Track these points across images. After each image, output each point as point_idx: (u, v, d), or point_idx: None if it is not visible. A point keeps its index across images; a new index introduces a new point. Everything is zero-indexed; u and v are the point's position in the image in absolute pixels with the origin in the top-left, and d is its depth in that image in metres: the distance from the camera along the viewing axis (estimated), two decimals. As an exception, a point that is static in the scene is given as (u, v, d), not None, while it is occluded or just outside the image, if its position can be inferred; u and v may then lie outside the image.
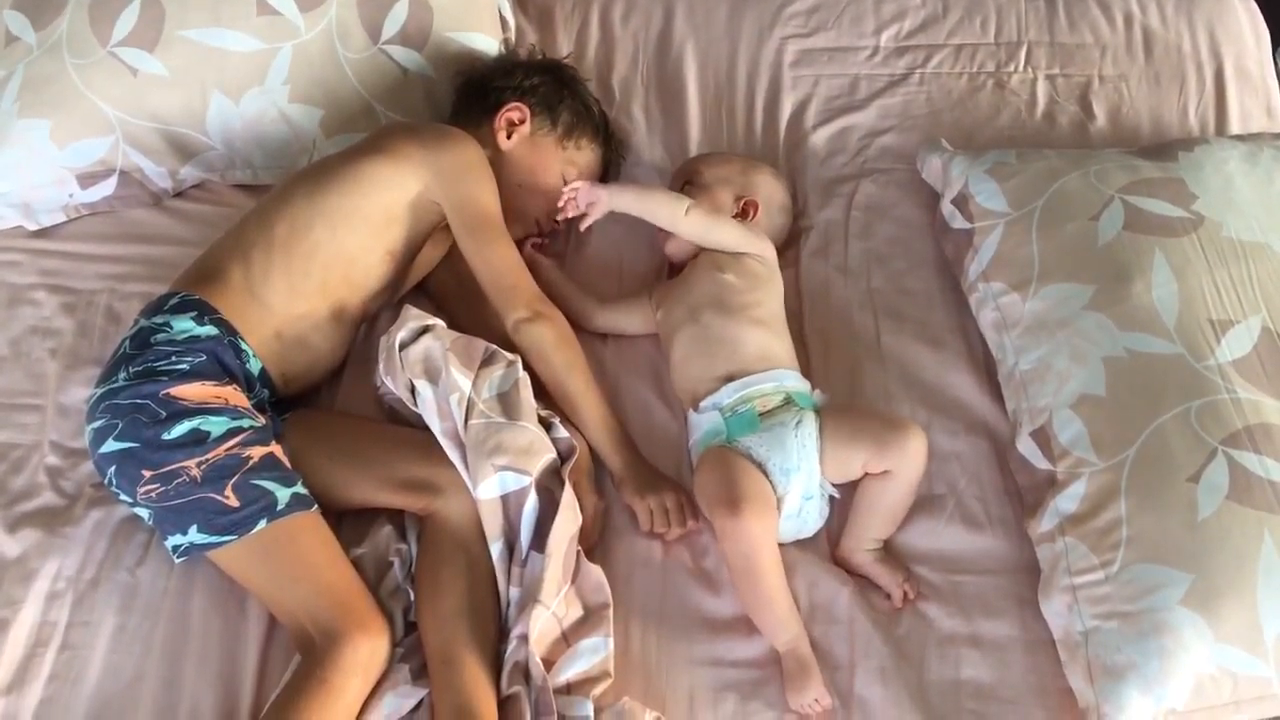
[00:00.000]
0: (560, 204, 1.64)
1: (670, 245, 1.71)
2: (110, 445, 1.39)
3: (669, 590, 1.46)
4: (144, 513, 1.43)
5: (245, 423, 1.41)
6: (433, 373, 1.46)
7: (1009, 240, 1.61)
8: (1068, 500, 1.40)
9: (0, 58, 1.84)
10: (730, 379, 1.52)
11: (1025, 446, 1.49)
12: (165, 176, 1.85)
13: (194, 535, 1.38)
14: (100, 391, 1.43)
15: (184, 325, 1.46)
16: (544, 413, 1.50)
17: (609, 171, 1.88)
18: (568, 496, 1.41)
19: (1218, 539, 1.31)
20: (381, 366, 1.51)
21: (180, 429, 1.38)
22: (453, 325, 1.55)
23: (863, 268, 1.77)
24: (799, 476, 1.44)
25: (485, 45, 1.90)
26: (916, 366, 1.65)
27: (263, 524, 1.36)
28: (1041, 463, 1.46)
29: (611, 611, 1.40)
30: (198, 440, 1.38)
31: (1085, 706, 1.32)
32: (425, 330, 1.51)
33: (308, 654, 1.34)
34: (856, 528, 1.47)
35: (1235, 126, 1.98)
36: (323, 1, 1.81)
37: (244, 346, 1.49)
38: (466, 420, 1.43)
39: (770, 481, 1.44)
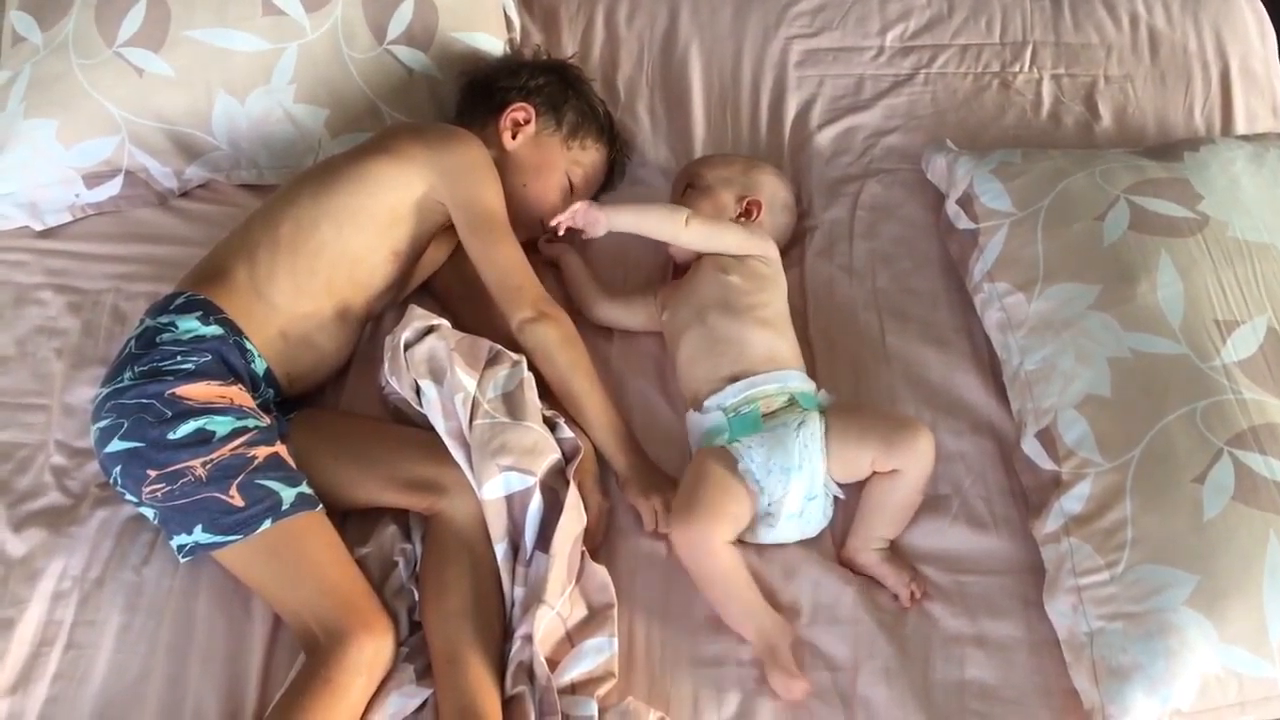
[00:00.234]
0: (555, 223, 1.63)
1: (673, 247, 1.71)
2: (116, 445, 1.40)
3: (673, 590, 1.46)
4: (149, 512, 1.43)
5: (250, 423, 1.42)
6: (437, 372, 1.46)
7: (1014, 240, 1.61)
8: (1073, 501, 1.40)
9: (7, 58, 1.84)
10: (735, 379, 1.52)
11: (1030, 447, 1.48)
12: (171, 176, 1.85)
13: (199, 535, 1.38)
14: (106, 391, 1.44)
15: (189, 325, 1.46)
16: (549, 413, 1.50)
17: (614, 172, 1.88)
18: (572, 496, 1.41)
19: (1223, 540, 1.31)
20: (386, 366, 1.51)
21: (185, 429, 1.38)
22: (457, 325, 1.55)
23: (868, 268, 1.77)
24: (800, 476, 1.44)
25: (490, 45, 1.90)
26: (921, 367, 1.65)
27: (268, 524, 1.37)
28: (1046, 463, 1.45)
29: (616, 611, 1.40)
30: (203, 440, 1.38)
31: (1090, 707, 1.32)
32: (430, 330, 1.51)
33: (312, 653, 1.34)
34: (863, 527, 1.47)
35: (1241, 126, 1.98)
36: (328, 1, 1.82)
37: (249, 346, 1.49)
38: (471, 420, 1.43)
39: (756, 487, 1.44)
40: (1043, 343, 1.52)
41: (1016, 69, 2.04)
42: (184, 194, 1.89)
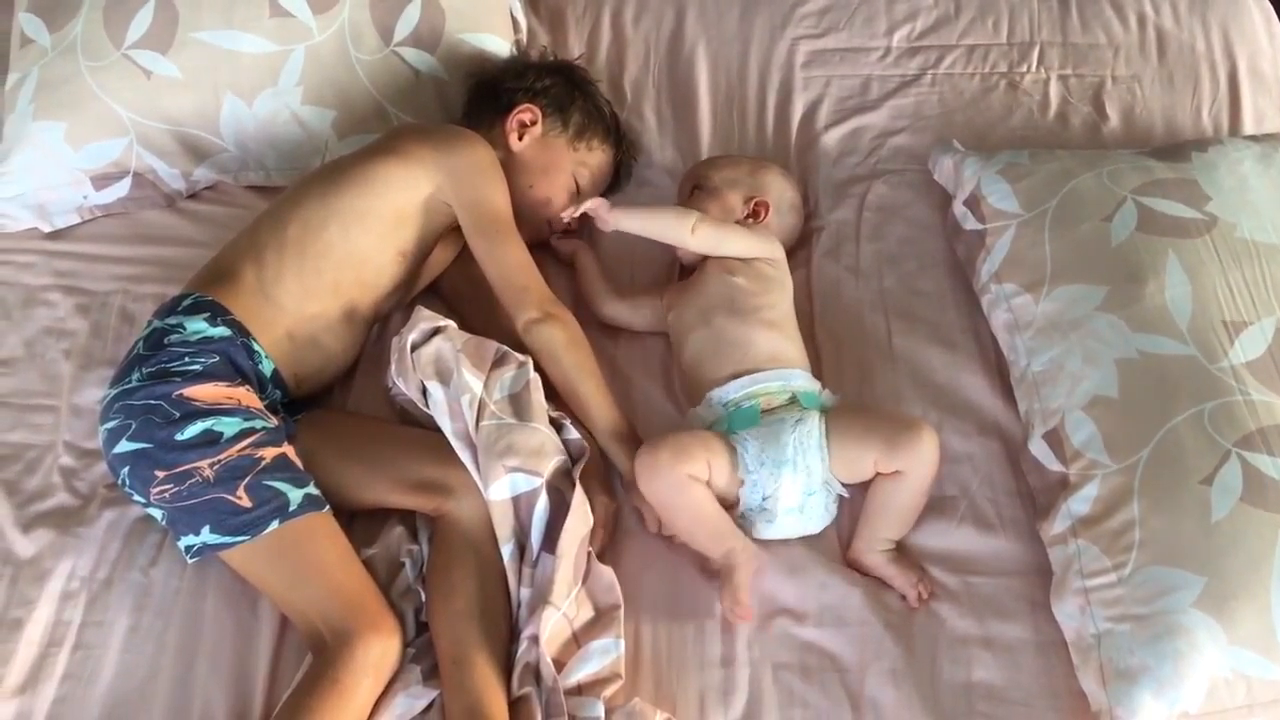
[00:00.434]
0: (567, 215, 1.65)
1: (680, 250, 1.71)
2: (123, 446, 1.40)
3: (680, 591, 1.46)
4: (157, 513, 1.43)
5: (258, 424, 1.42)
6: (444, 374, 1.46)
7: (1021, 241, 1.61)
8: (1080, 502, 1.39)
9: (15, 60, 1.85)
10: (738, 377, 1.52)
11: (1037, 448, 1.48)
12: (179, 178, 1.85)
13: (206, 535, 1.38)
14: (114, 392, 1.44)
15: (197, 326, 1.47)
16: (555, 414, 1.51)
17: (620, 173, 1.88)
18: (578, 498, 1.41)
19: (1231, 541, 1.30)
20: (393, 367, 1.51)
21: (193, 430, 1.38)
22: (464, 326, 1.55)
23: (874, 268, 1.77)
24: (792, 472, 1.44)
25: (497, 47, 1.90)
26: (928, 368, 1.65)
27: (275, 524, 1.37)
28: (1054, 464, 1.45)
29: (622, 613, 1.40)
30: (210, 441, 1.38)
31: (1098, 709, 1.31)
32: (437, 331, 1.51)
33: (319, 654, 1.34)
34: (868, 528, 1.47)
35: (1249, 127, 1.97)
36: (335, 3, 1.82)
37: (256, 347, 1.49)
38: (478, 421, 1.43)
39: (747, 478, 1.45)
40: (1050, 344, 1.51)
41: (1024, 69, 2.04)
42: (192, 195, 1.89)
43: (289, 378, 1.54)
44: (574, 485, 1.43)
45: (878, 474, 1.47)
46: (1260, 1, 2.12)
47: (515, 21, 1.98)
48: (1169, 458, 1.37)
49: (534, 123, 1.75)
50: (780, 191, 1.76)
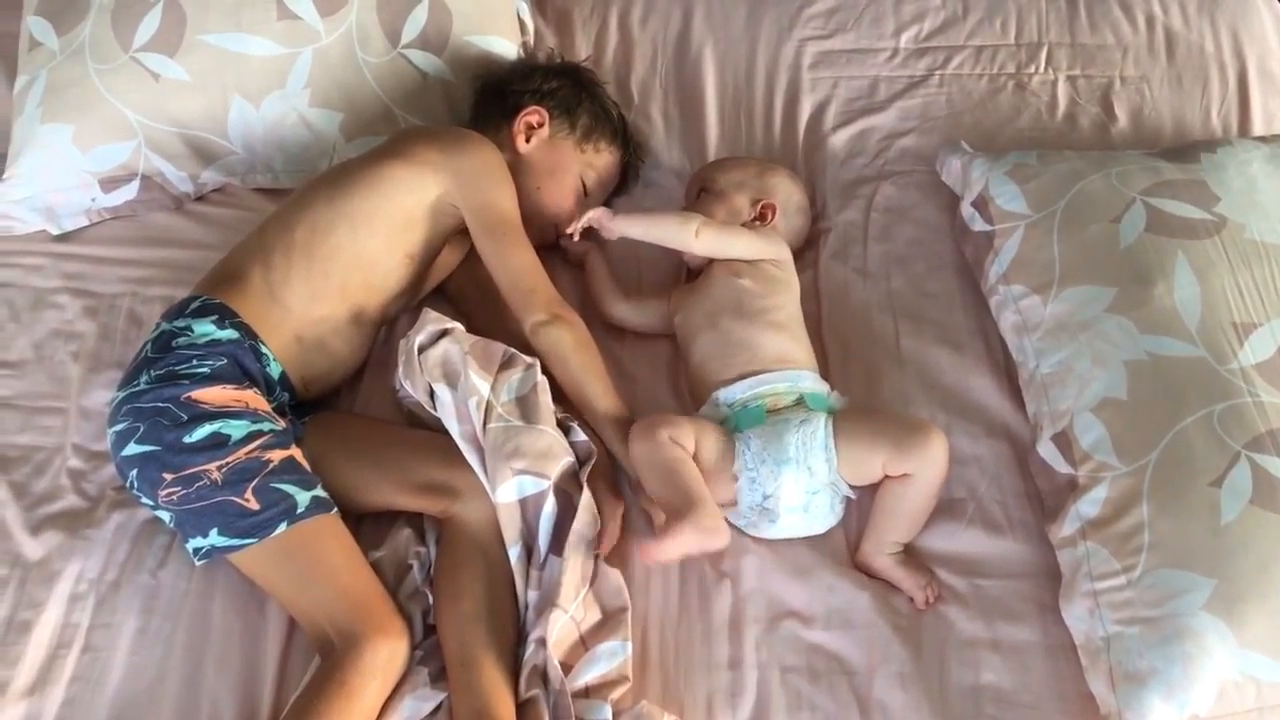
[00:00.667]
0: (569, 230, 1.65)
1: (686, 253, 1.71)
2: (132, 448, 1.40)
3: (687, 594, 1.45)
4: (165, 515, 1.43)
5: (265, 426, 1.42)
6: (451, 376, 1.46)
7: (1030, 243, 1.60)
8: (1089, 504, 1.39)
9: (24, 63, 1.85)
10: (746, 378, 1.52)
11: (1046, 450, 1.48)
12: (186, 180, 1.86)
13: (214, 538, 1.38)
14: (122, 395, 1.44)
15: (205, 329, 1.47)
16: (562, 416, 1.50)
17: (628, 175, 1.88)
18: (586, 500, 1.42)
19: (1241, 544, 1.30)
20: (401, 370, 1.51)
21: (201, 432, 1.38)
22: (471, 329, 1.55)
23: (882, 270, 1.77)
24: (794, 470, 1.43)
25: (504, 49, 1.90)
26: (936, 369, 1.65)
27: (283, 527, 1.37)
28: (1063, 467, 1.45)
29: (630, 615, 1.41)
30: (218, 444, 1.38)
31: (1107, 713, 1.31)
32: (444, 333, 1.51)
33: (327, 656, 1.34)
34: (876, 531, 1.47)
35: (1259, 128, 1.96)
36: (342, 6, 1.82)
37: (264, 350, 1.49)
38: (485, 424, 1.43)
39: (747, 475, 1.44)
40: (1059, 345, 1.51)
41: (1032, 70, 2.03)
42: (199, 198, 1.89)
43: (297, 380, 1.54)
44: (581, 488, 1.43)
45: (886, 477, 1.46)
46: (1270, 2, 2.12)
47: (522, 23, 1.98)
48: (1178, 460, 1.36)
49: (541, 125, 1.75)
50: (787, 193, 1.76)
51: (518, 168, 1.69)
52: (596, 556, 1.43)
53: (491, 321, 1.63)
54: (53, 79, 1.80)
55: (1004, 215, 1.65)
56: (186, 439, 1.38)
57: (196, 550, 1.41)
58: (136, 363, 1.48)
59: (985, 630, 1.41)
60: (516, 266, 1.57)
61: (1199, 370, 1.42)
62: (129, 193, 1.84)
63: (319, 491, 1.41)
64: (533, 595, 1.40)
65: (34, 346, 1.70)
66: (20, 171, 1.79)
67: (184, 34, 1.79)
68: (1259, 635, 1.27)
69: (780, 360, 1.54)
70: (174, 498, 1.38)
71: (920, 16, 2.10)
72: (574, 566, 1.38)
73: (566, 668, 1.35)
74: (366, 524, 1.50)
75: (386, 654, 1.33)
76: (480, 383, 1.45)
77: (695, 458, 1.44)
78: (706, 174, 1.78)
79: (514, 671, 1.36)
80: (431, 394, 1.48)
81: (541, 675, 1.35)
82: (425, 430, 1.55)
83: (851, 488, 1.48)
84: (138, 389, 1.43)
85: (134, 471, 1.41)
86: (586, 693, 1.35)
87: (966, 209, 1.72)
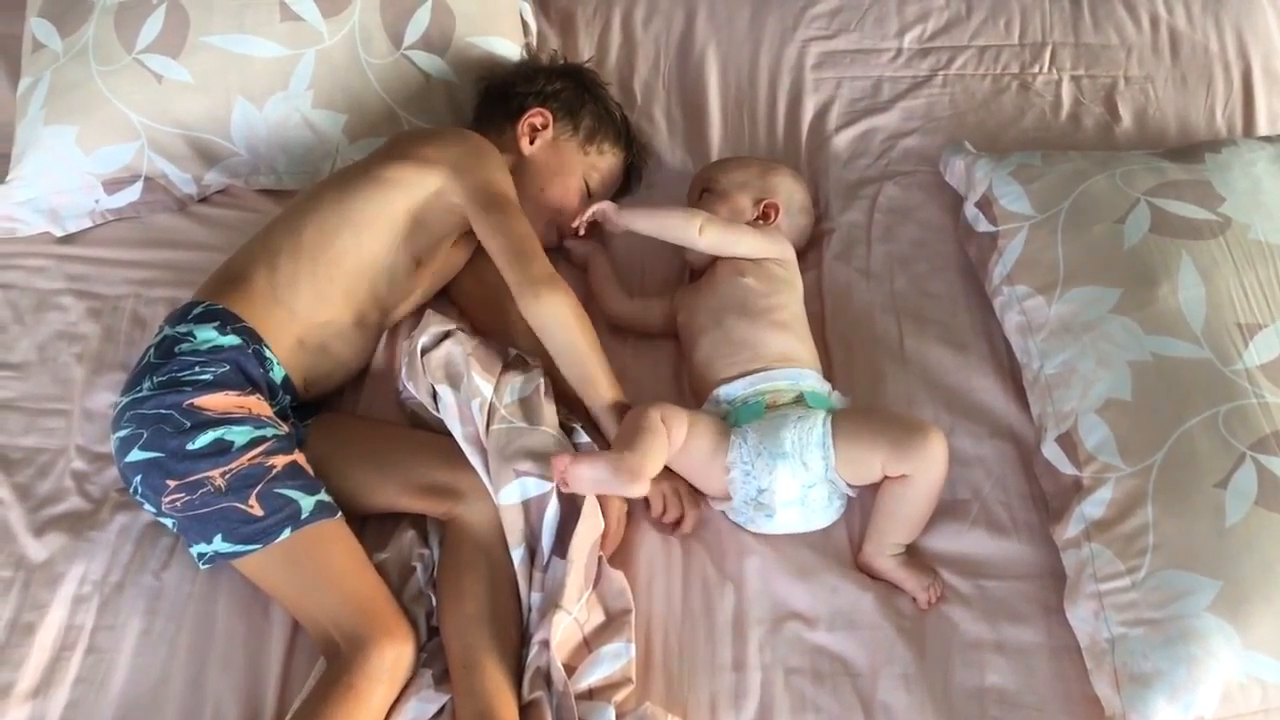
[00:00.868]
0: (575, 224, 1.65)
1: (689, 252, 1.71)
2: (135, 455, 1.40)
3: (690, 595, 1.45)
4: (169, 522, 1.43)
5: (268, 432, 1.42)
6: (454, 378, 1.46)
7: (1034, 243, 1.60)
8: (1094, 506, 1.39)
9: (27, 65, 1.86)
10: (747, 375, 1.52)
11: (1050, 451, 1.48)
12: (190, 182, 1.86)
13: (219, 544, 1.38)
14: (125, 401, 1.44)
15: (207, 335, 1.47)
16: (566, 417, 1.50)
17: (631, 176, 1.88)
18: (589, 502, 1.41)
19: (1246, 545, 1.30)
20: (404, 371, 1.51)
21: (204, 439, 1.38)
22: (475, 331, 1.55)
23: (886, 271, 1.76)
24: (789, 464, 1.43)
25: (507, 50, 1.90)
26: (940, 370, 1.64)
27: (287, 533, 1.37)
28: (1067, 468, 1.44)
29: (633, 617, 1.40)
30: (221, 450, 1.38)
31: (1112, 714, 1.31)
32: (447, 335, 1.51)
33: (334, 660, 1.34)
34: (877, 532, 1.46)
35: (1263, 128, 1.96)
36: (346, 7, 1.82)
37: (268, 354, 1.49)
38: (488, 425, 1.43)
39: (742, 469, 1.44)
40: (1063, 346, 1.51)
41: (1036, 70, 2.03)
42: (203, 199, 1.89)
43: (299, 383, 1.54)
44: (585, 489, 1.43)
45: (886, 478, 1.46)
46: (1274, 1, 2.11)
47: (525, 24, 1.98)
48: (1183, 461, 1.36)
49: (545, 126, 1.75)
50: (790, 193, 1.75)
51: (522, 169, 1.69)
52: (600, 558, 1.43)
53: (495, 324, 1.63)
54: (56, 81, 1.80)
55: (1008, 216, 1.64)
56: (190, 446, 1.38)
57: (201, 556, 1.41)
58: (139, 368, 1.48)
59: (989, 632, 1.41)
60: (511, 235, 1.55)
61: (1204, 371, 1.41)
62: (132, 194, 1.84)
63: (323, 496, 1.41)
64: (536, 597, 1.40)
65: (38, 348, 1.70)
66: (24, 173, 1.79)
67: (187, 35, 1.79)
68: (1264, 637, 1.27)
69: (783, 359, 1.54)
70: (178, 504, 1.38)
71: (924, 17, 2.10)
72: (577, 568, 1.38)
73: (570, 669, 1.35)
74: (371, 526, 1.50)
75: (393, 657, 1.33)
76: (483, 384, 1.45)
77: (688, 449, 1.45)
78: (709, 174, 1.78)
79: (517, 673, 1.36)
80: (434, 395, 1.48)
81: (545, 677, 1.35)
82: (428, 432, 1.55)
83: (851, 487, 1.48)
84: (141, 395, 1.43)
85: (138, 478, 1.41)
86: (590, 694, 1.35)
87: (970, 209, 1.72)
